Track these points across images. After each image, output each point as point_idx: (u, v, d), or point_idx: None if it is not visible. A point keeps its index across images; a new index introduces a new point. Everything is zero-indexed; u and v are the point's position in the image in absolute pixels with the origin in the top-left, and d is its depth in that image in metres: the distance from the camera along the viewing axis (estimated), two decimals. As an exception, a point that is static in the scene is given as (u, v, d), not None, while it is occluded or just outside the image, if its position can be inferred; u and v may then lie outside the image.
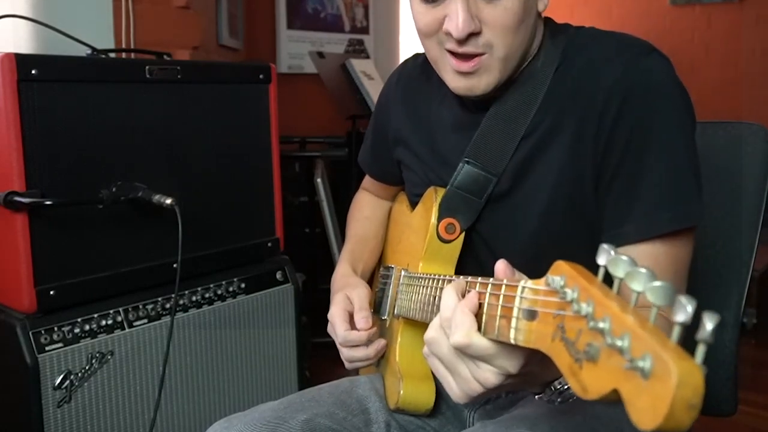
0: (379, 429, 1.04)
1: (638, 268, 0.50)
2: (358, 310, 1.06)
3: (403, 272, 1.07)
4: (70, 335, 1.34)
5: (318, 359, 2.40)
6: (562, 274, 0.57)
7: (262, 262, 1.71)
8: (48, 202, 1.29)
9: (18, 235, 1.28)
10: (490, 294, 0.69)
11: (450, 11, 0.88)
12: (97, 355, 1.38)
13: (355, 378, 1.14)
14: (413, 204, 1.13)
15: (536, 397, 0.78)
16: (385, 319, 1.13)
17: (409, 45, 4.17)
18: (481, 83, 0.93)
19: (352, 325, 1.06)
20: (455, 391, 0.74)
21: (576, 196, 0.93)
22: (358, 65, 3.07)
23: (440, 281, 0.88)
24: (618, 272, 0.51)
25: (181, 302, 1.52)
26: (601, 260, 0.54)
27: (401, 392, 1.01)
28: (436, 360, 0.75)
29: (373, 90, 2.97)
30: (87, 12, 1.90)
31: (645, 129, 0.88)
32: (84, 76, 1.35)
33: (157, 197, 1.37)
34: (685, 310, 0.44)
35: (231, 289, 1.62)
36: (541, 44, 0.98)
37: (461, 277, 0.78)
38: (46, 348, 1.30)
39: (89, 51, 1.53)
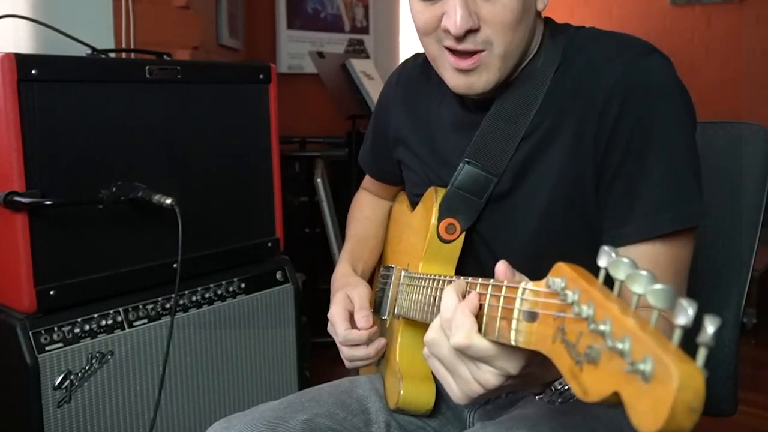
0: (379, 429, 1.04)
1: (639, 270, 0.50)
2: (358, 309, 1.06)
3: (403, 272, 1.07)
4: (70, 335, 1.34)
5: (318, 359, 2.40)
6: (562, 275, 0.57)
7: (262, 262, 1.71)
8: (48, 202, 1.29)
9: (18, 235, 1.28)
10: (490, 295, 0.69)
11: (448, 8, 0.88)
12: (97, 355, 1.38)
13: (355, 378, 1.14)
14: (413, 204, 1.13)
15: (536, 397, 0.78)
16: (385, 319, 1.13)
17: (409, 45, 4.16)
18: (480, 81, 0.93)
19: (353, 324, 1.06)
20: (455, 392, 0.74)
21: (576, 197, 0.93)
22: (358, 65, 3.07)
23: (440, 282, 0.88)
24: (619, 274, 0.51)
25: (181, 302, 1.52)
26: (602, 262, 0.54)
27: (401, 392, 1.01)
28: (437, 361, 0.75)
29: (373, 90, 2.97)
30: (87, 12, 1.90)
31: (645, 129, 0.88)
32: (84, 76, 1.35)
33: (157, 197, 1.37)
34: (686, 313, 0.44)
35: (231, 289, 1.61)
36: (541, 44, 0.98)
37: (461, 278, 0.78)
38: (46, 348, 1.30)
39: (89, 51, 1.53)
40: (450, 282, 0.80)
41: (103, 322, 1.39)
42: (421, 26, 0.94)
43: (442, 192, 1.02)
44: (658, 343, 0.44)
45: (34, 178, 1.28)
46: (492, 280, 0.71)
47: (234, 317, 1.62)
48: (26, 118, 1.26)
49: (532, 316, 0.61)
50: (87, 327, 1.36)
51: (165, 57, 1.62)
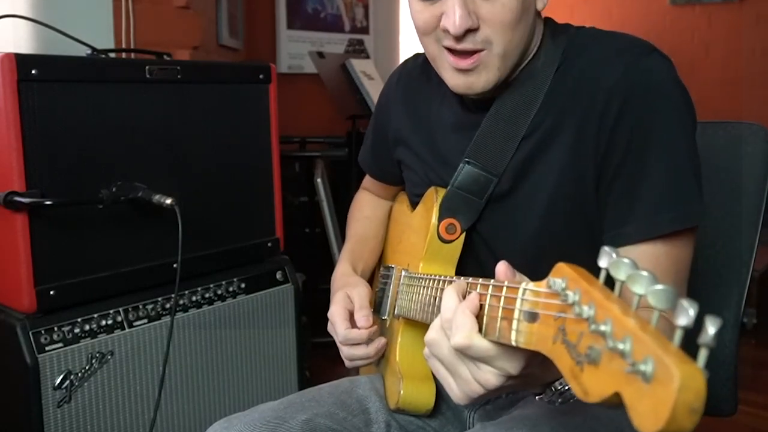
0: (379, 429, 1.04)
1: (640, 270, 0.50)
2: (358, 309, 1.06)
3: (403, 272, 1.07)
4: (70, 335, 1.34)
5: (318, 359, 2.40)
6: (563, 276, 0.57)
7: (262, 262, 1.71)
8: (48, 202, 1.29)
9: (18, 235, 1.28)
10: (491, 296, 0.69)
11: (447, 8, 0.88)
12: (97, 355, 1.38)
13: (356, 378, 1.14)
14: (414, 204, 1.13)
15: (537, 397, 0.78)
16: (386, 319, 1.13)
17: (409, 45, 4.16)
18: (480, 80, 0.93)
19: (353, 324, 1.06)
20: (456, 392, 0.73)
21: (577, 197, 0.93)
22: (358, 65, 3.07)
23: (441, 282, 0.88)
24: (619, 275, 0.51)
25: (181, 302, 1.52)
26: (603, 263, 0.54)
27: (401, 392, 1.01)
28: (437, 361, 0.75)
29: (373, 90, 2.97)
30: (87, 12, 1.90)
31: (646, 129, 0.88)
32: (84, 76, 1.35)
33: (157, 197, 1.37)
34: (687, 313, 0.44)
35: (231, 289, 1.61)
36: (541, 44, 0.98)
37: (462, 278, 0.78)
38: (46, 348, 1.30)
39: (89, 51, 1.53)
40: (450, 282, 0.80)
41: (103, 322, 1.39)
42: (420, 26, 0.94)
43: (442, 192, 1.02)
44: (658, 344, 0.44)
45: (34, 178, 1.28)
46: (492, 281, 0.71)
47: (234, 317, 1.62)
48: (26, 118, 1.26)
49: (532, 317, 0.61)
50: (87, 327, 1.36)
51: (165, 57, 1.62)
